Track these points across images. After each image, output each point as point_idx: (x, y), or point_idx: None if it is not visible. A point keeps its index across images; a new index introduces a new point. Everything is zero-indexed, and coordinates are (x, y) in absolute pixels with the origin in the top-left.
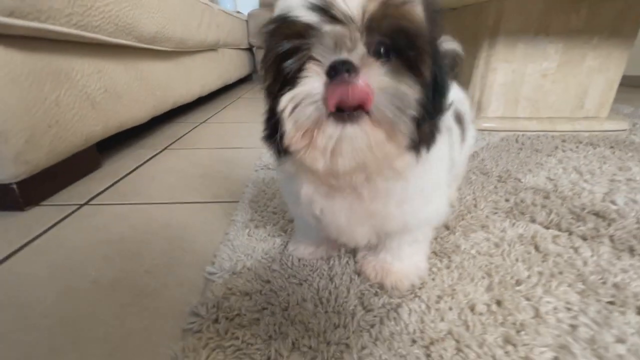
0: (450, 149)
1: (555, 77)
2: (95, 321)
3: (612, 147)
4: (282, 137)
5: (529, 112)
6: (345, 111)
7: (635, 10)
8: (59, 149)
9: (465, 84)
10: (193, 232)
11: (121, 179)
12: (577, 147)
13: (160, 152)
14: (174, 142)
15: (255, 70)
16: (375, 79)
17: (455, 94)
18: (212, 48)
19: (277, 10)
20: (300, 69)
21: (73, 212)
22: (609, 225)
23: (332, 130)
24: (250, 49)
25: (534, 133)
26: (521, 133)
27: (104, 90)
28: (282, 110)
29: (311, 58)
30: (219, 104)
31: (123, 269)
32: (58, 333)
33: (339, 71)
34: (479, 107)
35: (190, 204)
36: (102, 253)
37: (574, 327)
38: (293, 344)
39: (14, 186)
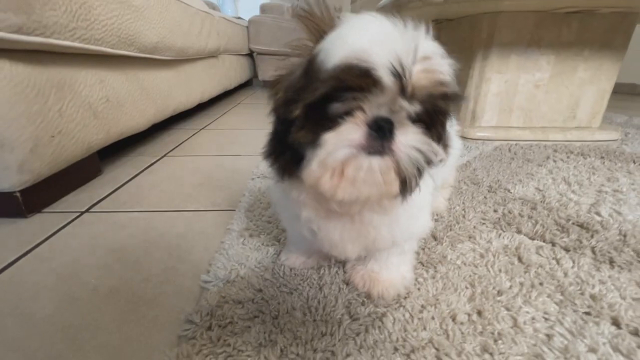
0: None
1: (547, 87)
2: (95, 328)
3: (602, 157)
4: (300, 169)
5: (522, 122)
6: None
7: (626, 23)
8: (61, 158)
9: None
10: (190, 241)
11: (121, 186)
12: (568, 157)
13: (160, 159)
14: (174, 149)
15: (255, 75)
16: (408, 137)
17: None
18: (213, 55)
19: (350, 52)
20: (345, 113)
21: (74, 219)
22: (592, 236)
23: (363, 161)
24: (250, 55)
25: (527, 142)
26: (514, 142)
27: (105, 99)
28: (323, 149)
29: (360, 108)
30: (219, 110)
31: (122, 277)
32: (59, 340)
33: (380, 127)
34: (473, 117)
35: (189, 212)
36: (103, 261)
37: (549, 336)
38: (281, 351)
39: (18, 194)
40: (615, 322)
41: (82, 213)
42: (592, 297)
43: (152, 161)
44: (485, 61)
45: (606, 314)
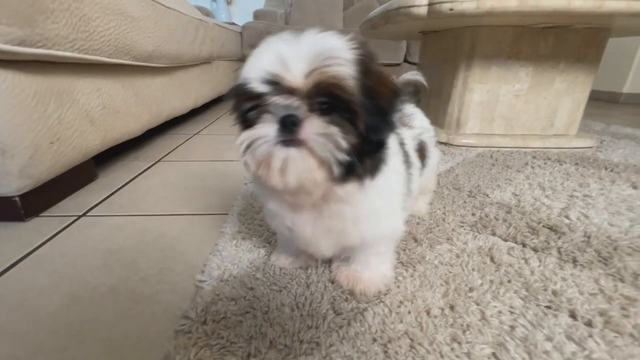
0: (409, 181)
1: (526, 97)
2: (97, 323)
3: (577, 163)
4: (246, 166)
5: (504, 130)
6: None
7: (598, 38)
8: (59, 164)
9: (445, 102)
10: (185, 243)
11: (117, 190)
12: (545, 163)
13: (154, 164)
14: (168, 154)
15: None
16: (312, 126)
17: (420, 122)
18: (207, 61)
19: (240, 79)
20: (259, 118)
21: (72, 223)
22: (559, 238)
23: (280, 152)
24: (243, 60)
25: (508, 149)
26: (496, 149)
27: (102, 107)
28: (240, 145)
29: (267, 111)
30: (212, 115)
31: (120, 276)
32: (64, 334)
33: (287, 121)
34: (457, 124)
35: (183, 215)
36: (101, 262)
37: (512, 327)
38: (271, 342)
39: (17, 199)
40: (572, 315)
41: (79, 217)
42: (554, 292)
43: (147, 166)
44: (468, 72)
45: (565, 307)
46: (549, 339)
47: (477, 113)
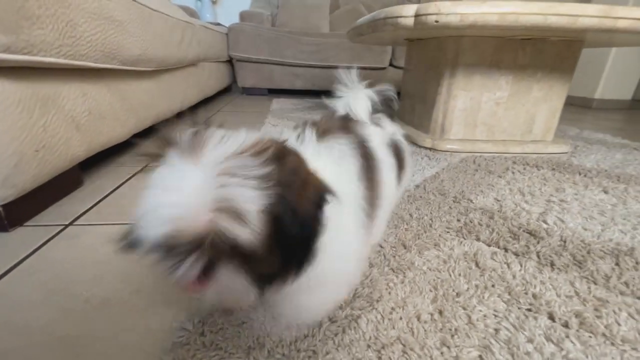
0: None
1: (507, 105)
2: (92, 337)
3: (553, 169)
4: None
5: (486, 136)
6: None
7: (572, 50)
8: (44, 172)
9: (430, 108)
10: None
11: (104, 198)
12: (524, 168)
13: (142, 169)
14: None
15: (234, 81)
16: (212, 279)
17: (395, 135)
18: (193, 63)
19: (133, 229)
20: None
21: (58, 233)
22: (538, 242)
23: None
24: (229, 61)
25: (490, 154)
26: (479, 154)
27: (88, 112)
28: None
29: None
30: (201, 117)
31: (113, 288)
32: (58, 348)
33: (183, 278)
34: (442, 130)
35: None
36: (92, 273)
37: (497, 330)
38: (269, 352)
39: (0, 209)
40: (551, 317)
41: (67, 226)
42: (534, 295)
43: (134, 172)
44: (452, 79)
45: (543, 309)
46: (530, 340)
47: (460, 119)
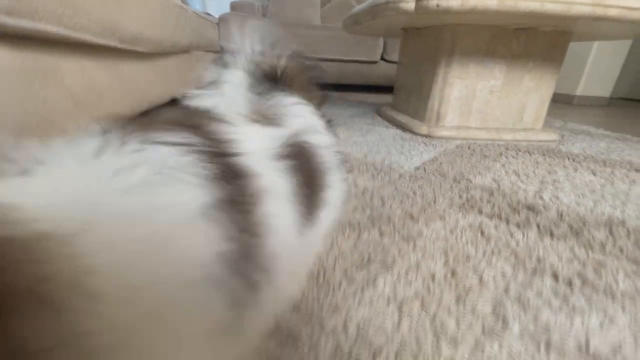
0: None
1: (500, 93)
2: None
3: (544, 154)
4: None
5: (480, 123)
6: None
7: (562, 41)
8: None
9: (426, 97)
10: None
11: None
12: (517, 154)
13: None
14: None
15: None
16: None
17: (308, 135)
18: (186, 50)
19: None
20: None
21: None
22: (537, 215)
23: None
24: (220, 52)
25: (484, 141)
26: (473, 141)
27: (86, 89)
28: None
29: None
30: None
31: None
32: None
33: None
34: (437, 117)
35: None
36: None
37: (507, 289)
38: (294, 307)
39: None
40: (555, 277)
41: None
42: (538, 259)
43: None
44: (448, 67)
45: (548, 270)
46: (538, 295)
47: (455, 107)
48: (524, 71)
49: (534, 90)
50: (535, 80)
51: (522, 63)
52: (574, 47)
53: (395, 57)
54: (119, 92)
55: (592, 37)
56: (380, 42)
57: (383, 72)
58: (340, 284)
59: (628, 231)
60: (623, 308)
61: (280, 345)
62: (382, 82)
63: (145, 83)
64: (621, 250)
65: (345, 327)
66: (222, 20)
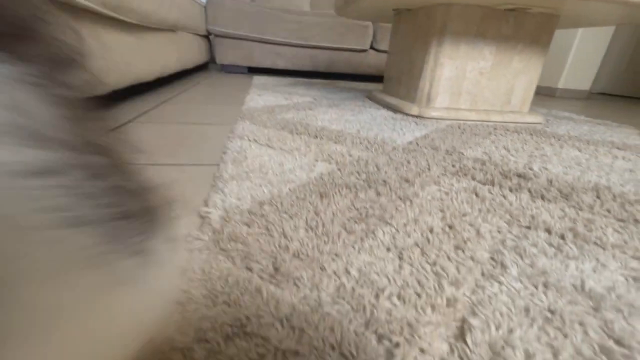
0: None
1: (489, 75)
2: None
3: (531, 134)
4: None
5: (469, 105)
6: None
7: (550, 24)
8: None
9: (417, 77)
10: (179, 186)
11: None
12: (505, 133)
13: (125, 124)
14: (139, 116)
15: (212, 60)
16: None
17: None
18: (172, 29)
19: None
20: None
21: None
22: (528, 182)
23: None
24: (207, 37)
25: (473, 122)
26: (462, 121)
27: None
28: None
29: None
30: (179, 88)
31: None
32: None
33: None
34: (428, 98)
35: (170, 165)
36: None
37: (503, 240)
38: (293, 254)
39: None
40: (548, 231)
41: None
42: (531, 216)
43: (116, 126)
44: (439, 47)
45: (541, 226)
46: (534, 245)
47: (446, 88)
48: (513, 53)
49: (522, 72)
50: (524, 62)
51: (511, 45)
52: (557, 40)
53: (384, 46)
54: (103, 62)
55: (578, 23)
56: (370, 30)
57: (373, 61)
58: (339, 235)
59: (614, 195)
60: (614, 256)
61: (279, 287)
62: (372, 71)
63: (130, 56)
64: (608, 211)
65: (346, 270)
66: (211, 3)
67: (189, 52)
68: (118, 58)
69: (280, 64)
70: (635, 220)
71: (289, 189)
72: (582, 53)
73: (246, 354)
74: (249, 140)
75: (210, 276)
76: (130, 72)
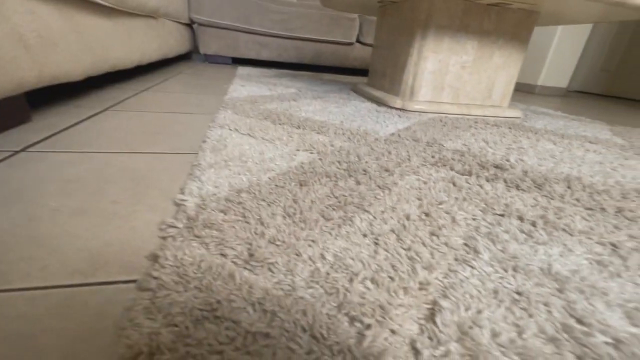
0: None
1: (471, 69)
2: (70, 236)
3: (510, 128)
4: None
5: (451, 98)
6: None
7: (529, 20)
8: None
9: (401, 70)
10: (156, 174)
11: (61, 131)
12: (485, 126)
13: (102, 112)
14: (116, 104)
15: (196, 50)
16: None
17: None
18: (153, 15)
19: None
20: None
21: (9, 157)
22: (504, 172)
23: None
24: (190, 25)
25: (454, 116)
26: (444, 115)
27: (37, 34)
28: None
29: None
30: (160, 77)
31: (87, 200)
32: (34, 246)
33: None
34: (411, 92)
35: (149, 153)
36: (58, 189)
37: (477, 227)
38: (269, 241)
39: None
40: (520, 218)
41: (17, 152)
42: (506, 205)
43: (93, 113)
44: (423, 41)
45: (514, 214)
46: (506, 231)
47: (429, 82)
48: (493, 48)
49: (502, 68)
50: (504, 57)
51: (492, 40)
52: (537, 39)
53: (370, 39)
54: (77, 46)
55: (557, 21)
56: (356, 23)
57: (358, 54)
58: (317, 222)
59: (584, 185)
60: (580, 242)
61: (253, 272)
62: (358, 64)
63: (107, 41)
64: (578, 200)
65: (322, 255)
66: None
67: (171, 40)
68: (93, 42)
69: (265, 55)
70: (602, 209)
71: (269, 178)
72: (561, 52)
73: (215, 337)
74: (230, 129)
75: (183, 262)
76: (107, 58)
